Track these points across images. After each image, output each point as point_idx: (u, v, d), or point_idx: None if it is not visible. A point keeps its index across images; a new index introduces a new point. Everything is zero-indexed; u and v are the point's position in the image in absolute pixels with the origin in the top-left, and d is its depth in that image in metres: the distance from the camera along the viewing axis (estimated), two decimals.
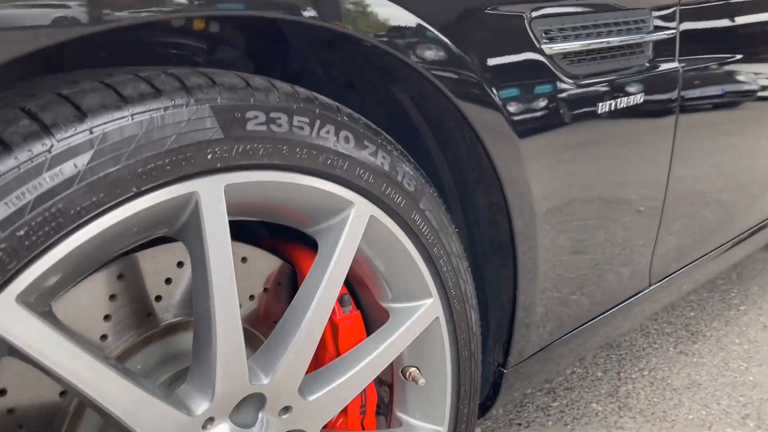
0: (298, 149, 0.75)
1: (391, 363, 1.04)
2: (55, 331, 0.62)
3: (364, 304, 1.03)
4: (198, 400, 0.75)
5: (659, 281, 1.62)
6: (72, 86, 0.61)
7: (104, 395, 0.66)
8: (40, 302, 0.62)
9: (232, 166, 0.70)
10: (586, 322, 1.39)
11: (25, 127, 0.58)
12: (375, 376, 0.92)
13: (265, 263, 0.93)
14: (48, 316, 0.62)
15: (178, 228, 0.72)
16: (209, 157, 0.68)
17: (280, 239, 0.99)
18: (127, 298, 0.81)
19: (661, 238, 1.51)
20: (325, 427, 0.99)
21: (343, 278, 0.84)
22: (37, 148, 0.57)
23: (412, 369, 1.04)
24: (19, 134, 0.57)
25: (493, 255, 1.17)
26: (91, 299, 0.77)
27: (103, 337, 0.79)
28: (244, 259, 0.90)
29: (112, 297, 0.79)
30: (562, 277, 1.24)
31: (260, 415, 0.81)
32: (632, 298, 1.55)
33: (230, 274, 0.72)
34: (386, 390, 1.08)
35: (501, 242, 1.13)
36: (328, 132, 0.78)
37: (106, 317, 0.79)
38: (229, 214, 0.74)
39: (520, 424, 1.74)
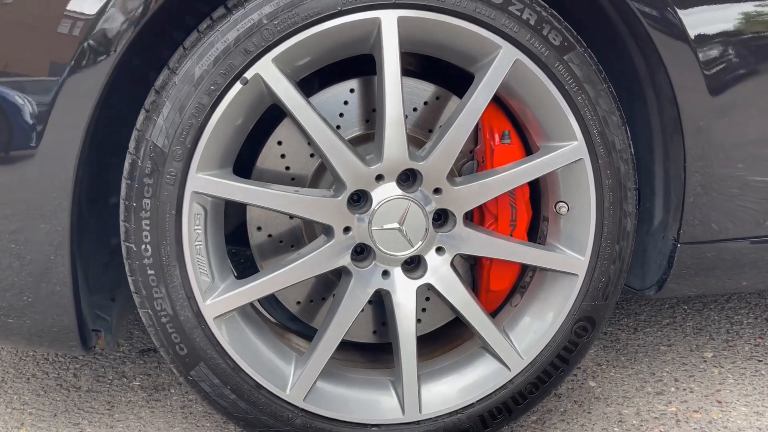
0: None
1: (549, 200, 1.31)
2: (300, 95, 1.12)
3: (533, 150, 1.31)
4: (374, 161, 1.18)
5: None
6: None
7: (320, 141, 1.14)
8: (291, 73, 1.13)
9: (403, 4, 1.10)
10: None
11: None
12: (510, 187, 1.22)
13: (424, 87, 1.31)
14: (292, 80, 1.12)
15: (371, 46, 1.15)
16: None
17: None
18: (355, 105, 1.29)
19: None
20: (481, 224, 1.32)
21: (487, 101, 1.17)
22: None
23: (561, 203, 1.28)
24: None
25: (675, 135, 1.30)
26: (333, 100, 1.28)
27: (338, 126, 1.29)
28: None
29: (345, 102, 1.28)
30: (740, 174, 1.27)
31: (419, 188, 1.20)
32: None
33: (397, 79, 1.13)
34: (545, 224, 1.33)
35: (677, 120, 1.27)
36: None
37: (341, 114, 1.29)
38: (405, 45, 1.15)
39: (760, 361, 1.70)
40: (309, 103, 1.13)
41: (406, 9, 1.11)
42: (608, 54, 1.32)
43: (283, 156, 1.29)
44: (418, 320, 1.38)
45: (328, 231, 1.20)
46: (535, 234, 1.37)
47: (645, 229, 1.43)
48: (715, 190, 1.29)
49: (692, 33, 1.20)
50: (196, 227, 1.13)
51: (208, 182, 1.11)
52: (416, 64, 1.42)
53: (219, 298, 1.16)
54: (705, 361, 1.72)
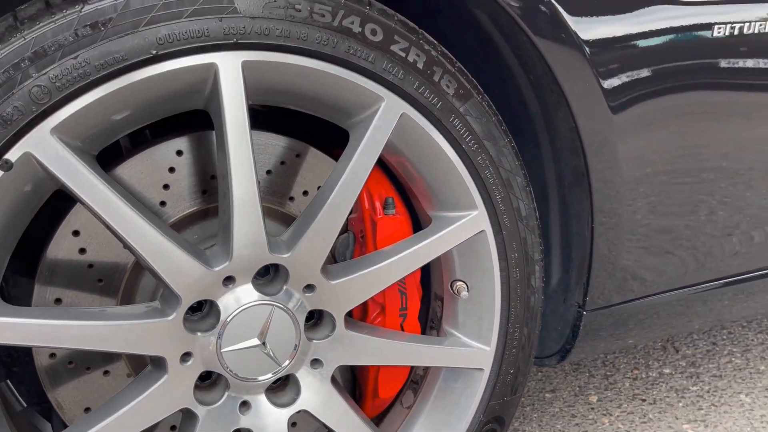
0: (317, 35, 0.81)
1: (443, 277, 1.06)
2: (94, 175, 0.75)
3: (421, 218, 1.05)
4: (219, 258, 0.84)
5: None
6: None
7: (133, 241, 0.78)
8: (85, 145, 0.76)
9: (248, 44, 0.78)
10: (686, 287, 1.25)
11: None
12: (403, 275, 0.95)
13: (277, 142, 0.99)
14: (85, 156, 0.75)
15: (205, 101, 0.81)
16: (225, 32, 0.76)
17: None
18: (185, 173, 0.93)
19: None
20: (364, 319, 1.04)
21: (369, 170, 0.88)
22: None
23: (460, 283, 1.04)
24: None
25: (575, 187, 1.11)
26: (151, 169, 0.91)
27: (162, 203, 0.93)
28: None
29: (171, 169, 0.93)
30: (652, 228, 1.13)
31: (285, 287, 0.89)
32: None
33: (247, 145, 0.80)
34: (439, 304, 1.09)
35: (581, 172, 1.07)
36: (352, 22, 0.83)
37: (166, 186, 0.93)
38: (253, 96, 0.82)
39: (644, 400, 1.62)
40: (109, 185, 0.76)
41: (252, 51, 0.79)
42: (490, 88, 1.10)
43: (83, 251, 0.90)
44: None
45: (158, 363, 0.85)
46: (426, 315, 1.12)
47: None
48: (629, 246, 1.13)
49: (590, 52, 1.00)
50: None
51: None
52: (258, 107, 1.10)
53: None
54: (593, 408, 1.60)
